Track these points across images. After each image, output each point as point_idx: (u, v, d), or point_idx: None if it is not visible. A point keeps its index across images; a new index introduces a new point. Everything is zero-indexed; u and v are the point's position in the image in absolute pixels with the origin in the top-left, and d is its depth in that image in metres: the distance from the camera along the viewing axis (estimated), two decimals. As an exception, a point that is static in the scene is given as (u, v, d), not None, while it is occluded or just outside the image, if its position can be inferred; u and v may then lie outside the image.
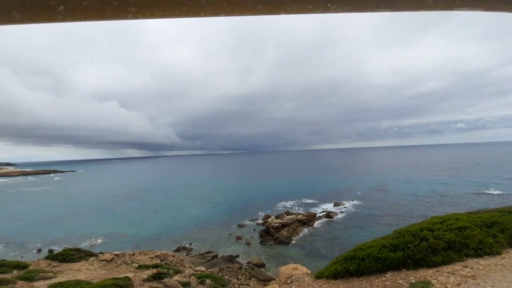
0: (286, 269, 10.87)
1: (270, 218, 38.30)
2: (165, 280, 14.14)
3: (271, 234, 34.31)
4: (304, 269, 10.90)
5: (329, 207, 50.21)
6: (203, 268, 21.58)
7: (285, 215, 42.12)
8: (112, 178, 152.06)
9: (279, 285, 10.27)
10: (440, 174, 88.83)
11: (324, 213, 45.03)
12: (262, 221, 42.31)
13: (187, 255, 30.52)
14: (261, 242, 33.39)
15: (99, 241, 37.89)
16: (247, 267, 26.26)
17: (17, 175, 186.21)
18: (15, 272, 16.95)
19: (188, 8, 0.67)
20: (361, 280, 8.08)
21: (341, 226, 39.03)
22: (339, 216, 43.94)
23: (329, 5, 0.69)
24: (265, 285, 18.16)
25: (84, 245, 35.52)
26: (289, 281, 9.94)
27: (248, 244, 33.14)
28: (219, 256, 28.40)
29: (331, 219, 42.41)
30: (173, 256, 26.25)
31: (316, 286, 8.68)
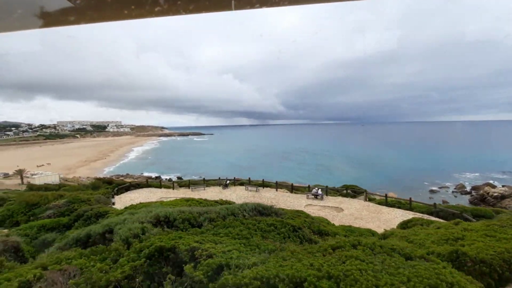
0: None
1: (487, 187, 35.43)
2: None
3: (490, 203, 31.96)
4: None
5: (545, 184, 41.16)
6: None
7: (485, 187, 37.95)
8: (248, 141, 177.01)
9: None
10: None
11: (546, 190, 37.49)
12: (457, 189, 40.00)
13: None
14: (480, 209, 31.82)
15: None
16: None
17: (176, 136, 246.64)
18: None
19: (135, 9, 0.61)
20: None
21: None
22: None
23: None
24: None
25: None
26: None
27: (463, 209, 32.31)
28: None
29: (561, 198, 34.97)
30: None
31: None
